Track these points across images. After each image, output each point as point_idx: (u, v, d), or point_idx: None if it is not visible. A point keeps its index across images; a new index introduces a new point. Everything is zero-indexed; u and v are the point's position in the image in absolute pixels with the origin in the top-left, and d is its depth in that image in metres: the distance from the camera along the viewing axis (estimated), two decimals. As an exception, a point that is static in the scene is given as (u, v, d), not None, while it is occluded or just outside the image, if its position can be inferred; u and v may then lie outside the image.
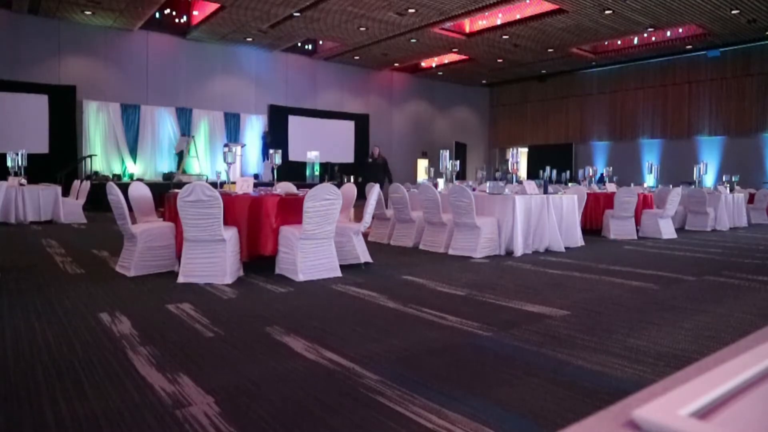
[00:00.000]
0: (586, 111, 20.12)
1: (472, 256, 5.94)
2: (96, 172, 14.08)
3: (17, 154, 10.12)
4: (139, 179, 13.83)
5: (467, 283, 4.49)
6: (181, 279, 4.31)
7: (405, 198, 6.92)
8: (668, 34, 15.56)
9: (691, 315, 3.53)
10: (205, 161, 16.11)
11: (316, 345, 2.76)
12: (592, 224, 8.34)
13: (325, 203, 4.54)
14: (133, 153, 15.28)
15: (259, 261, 4.80)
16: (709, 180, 15.62)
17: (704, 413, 0.42)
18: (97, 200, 11.34)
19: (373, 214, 5.78)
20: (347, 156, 19.28)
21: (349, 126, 19.51)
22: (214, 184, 5.02)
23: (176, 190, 4.54)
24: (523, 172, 19.65)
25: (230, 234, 4.40)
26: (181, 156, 15.16)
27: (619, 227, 8.11)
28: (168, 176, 14.56)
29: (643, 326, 3.21)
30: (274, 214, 4.73)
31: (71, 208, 9.74)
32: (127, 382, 2.25)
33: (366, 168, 13.91)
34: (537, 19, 13.77)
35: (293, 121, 18.12)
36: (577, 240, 6.96)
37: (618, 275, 4.91)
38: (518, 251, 6.11)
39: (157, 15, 14.55)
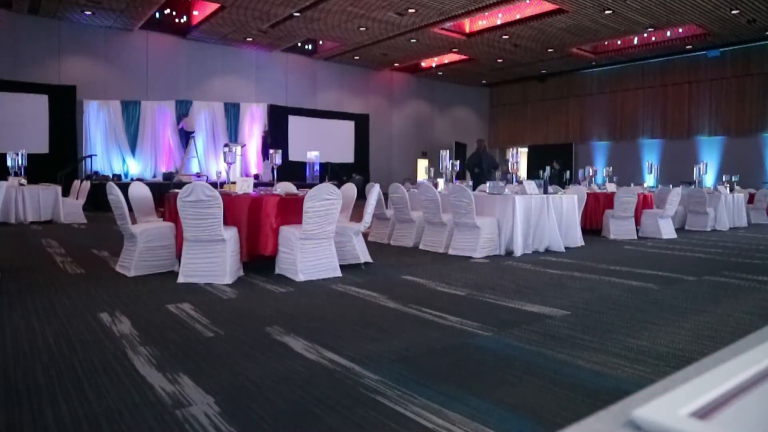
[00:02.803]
0: (586, 111, 20.13)
1: (472, 256, 5.94)
2: (96, 172, 14.09)
3: (17, 154, 10.12)
4: (139, 179, 13.84)
5: (467, 283, 4.49)
6: (181, 279, 4.31)
7: (405, 198, 6.92)
8: (668, 34, 15.56)
9: (691, 315, 3.53)
10: (205, 159, 16.14)
11: (316, 345, 2.76)
12: (592, 224, 8.33)
13: (325, 203, 4.54)
14: (133, 149, 15.32)
15: (259, 261, 4.80)
16: (709, 180, 15.62)
17: (704, 413, 0.42)
18: (97, 200, 11.34)
19: (373, 214, 5.77)
20: (347, 156, 19.29)
21: (349, 126, 19.52)
22: (214, 184, 5.02)
23: (176, 190, 4.54)
24: (523, 172, 19.65)
25: (230, 234, 4.40)
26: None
27: (619, 227, 8.11)
28: (168, 176, 14.58)
29: (643, 326, 3.21)
30: (274, 214, 4.73)
31: (71, 208, 9.74)
32: (127, 382, 2.24)
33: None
34: (537, 19, 13.78)
35: (293, 121, 18.13)
36: (577, 240, 6.96)
37: (618, 275, 4.91)
38: (518, 251, 6.11)
39: (157, 15, 14.56)
